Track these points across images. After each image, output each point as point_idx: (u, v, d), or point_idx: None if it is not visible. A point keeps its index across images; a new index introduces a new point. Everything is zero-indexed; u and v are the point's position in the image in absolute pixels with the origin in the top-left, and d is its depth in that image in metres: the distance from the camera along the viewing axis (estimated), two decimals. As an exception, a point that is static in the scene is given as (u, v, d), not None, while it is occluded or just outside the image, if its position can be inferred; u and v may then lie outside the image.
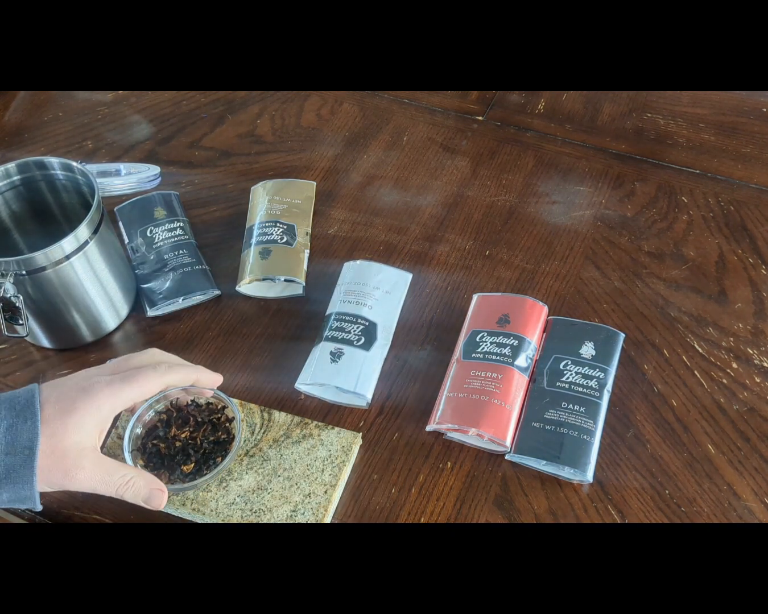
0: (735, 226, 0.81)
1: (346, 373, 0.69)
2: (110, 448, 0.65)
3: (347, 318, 0.72)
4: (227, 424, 0.63)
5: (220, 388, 0.64)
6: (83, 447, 0.55)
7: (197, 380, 0.62)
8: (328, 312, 0.74)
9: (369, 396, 0.69)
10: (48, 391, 0.56)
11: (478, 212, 0.84)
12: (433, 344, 0.73)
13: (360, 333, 0.71)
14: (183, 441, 0.62)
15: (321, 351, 0.70)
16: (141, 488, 0.57)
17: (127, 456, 0.60)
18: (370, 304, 0.73)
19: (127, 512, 0.63)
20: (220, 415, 0.64)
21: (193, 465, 0.61)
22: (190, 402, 0.64)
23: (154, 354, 0.62)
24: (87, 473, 0.55)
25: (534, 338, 0.69)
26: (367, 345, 0.70)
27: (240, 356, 0.74)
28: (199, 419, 0.63)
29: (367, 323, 0.72)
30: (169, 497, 0.59)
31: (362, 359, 0.70)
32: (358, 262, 0.77)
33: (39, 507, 0.54)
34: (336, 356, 0.70)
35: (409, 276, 0.77)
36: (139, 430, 0.62)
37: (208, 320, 0.77)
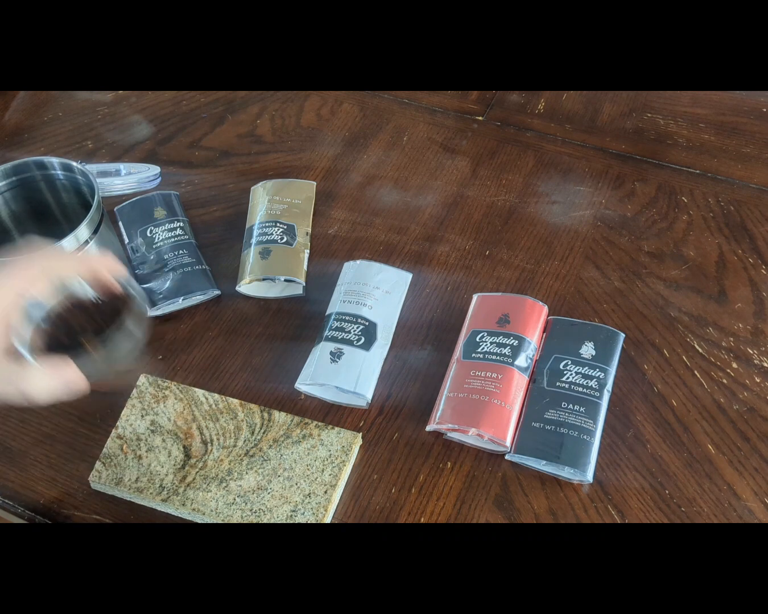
0: (735, 226, 0.81)
1: (346, 373, 0.69)
2: (109, 449, 0.65)
3: (347, 318, 0.72)
4: (129, 303, 0.59)
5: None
6: None
7: (88, 268, 0.57)
8: (328, 312, 0.74)
9: (369, 396, 0.69)
10: None
11: (478, 212, 0.84)
12: (433, 344, 0.73)
13: (360, 333, 0.71)
14: (83, 325, 0.59)
15: (321, 351, 0.70)
16: (47, 379, 0.53)
17: (23, 349, 0.55)
18: (370, 303, 0.73)
19: (127, 512, 0.63)
20: (121, 299, 0.59)
21: (98, 344, 0.57)
22: (89, 290, 0.59)
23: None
24: None
25: (534, 338, 0.69)
26: (367, 345, 0.70)
27: (240, 356, 0.74)
28: (99, 303, 0.59)
29: (367, 323, 0.72)
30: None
31: (362, 359, 0.70)
32: (358, 262, 0.77)
33: None
34: (336, 356, 0.70)
35: (409, 276, 0.77)
36: (37, 321, 0.57)
37: (208, 320, 0.77)
